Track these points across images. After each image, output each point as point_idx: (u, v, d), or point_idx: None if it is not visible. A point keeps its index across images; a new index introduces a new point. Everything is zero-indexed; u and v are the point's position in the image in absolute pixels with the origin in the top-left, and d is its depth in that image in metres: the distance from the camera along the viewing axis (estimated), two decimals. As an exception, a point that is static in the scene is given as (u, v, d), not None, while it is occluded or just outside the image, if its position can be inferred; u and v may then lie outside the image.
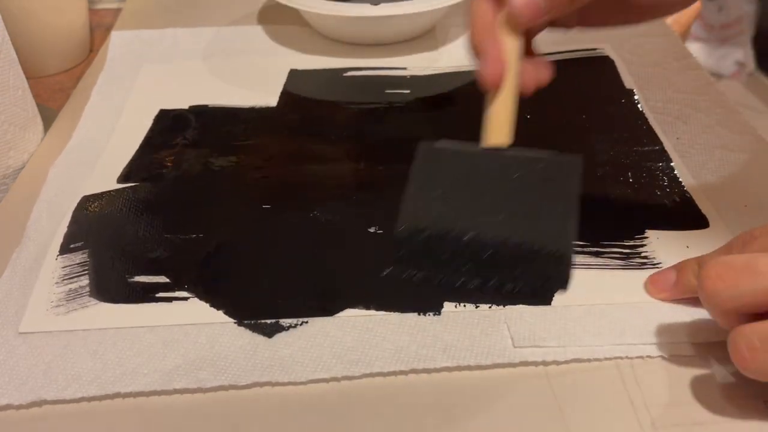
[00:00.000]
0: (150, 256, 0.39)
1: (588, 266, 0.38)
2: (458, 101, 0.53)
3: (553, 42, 0.55)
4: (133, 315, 0.35)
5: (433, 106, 0.52)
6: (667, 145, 0.47)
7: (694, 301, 0.35)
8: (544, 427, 0.30)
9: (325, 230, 0.41)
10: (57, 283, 0.37)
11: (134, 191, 0.44)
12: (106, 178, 0.45)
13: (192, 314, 0.35)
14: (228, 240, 0.40)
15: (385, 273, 0.36)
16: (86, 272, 0.38)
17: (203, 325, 0.35)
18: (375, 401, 0.32)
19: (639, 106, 0.51)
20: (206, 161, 0.46)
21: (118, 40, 0.61)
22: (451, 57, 0.59)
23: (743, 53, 1.56)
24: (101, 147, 0.48)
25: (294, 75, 0.56)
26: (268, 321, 0.35)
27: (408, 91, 0.54)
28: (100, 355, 0.33)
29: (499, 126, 0.35)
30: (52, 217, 0.42)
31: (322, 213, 0.42)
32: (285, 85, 0.55)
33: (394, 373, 0.33)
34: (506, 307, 0.35)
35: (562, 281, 0.35)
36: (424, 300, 0.36)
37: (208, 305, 0.36)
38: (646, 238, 0.39)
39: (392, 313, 0.35)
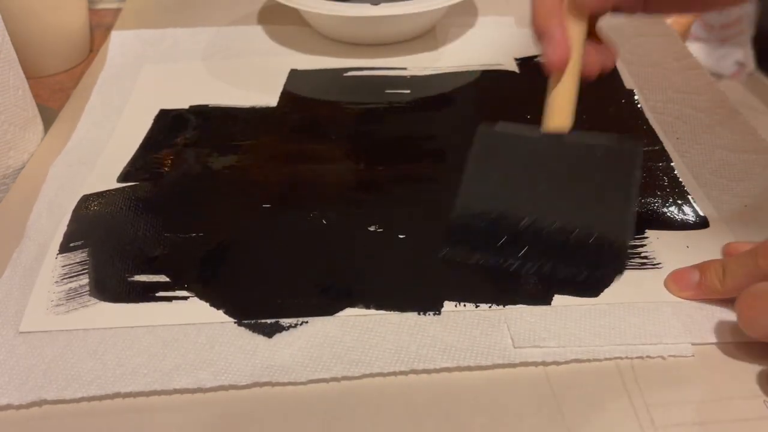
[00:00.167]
0: (150, 256, 0.39)
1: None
2: (458, 101, 0.53)
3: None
4: (132, 314, 0.35)
5: (433, 106, 0.52)
6: (667, 145, 0.47)
7: (694, 302, 0.35)
8: (544, 427, 0.30)
9: (325, 230, 0.41)
10: (57, 282, 0.37)
11: (134, 191, 0.44)
12: (106, 177, 0.45)
13: (192, 314, 0.35)
14: (228, 239, 0.40)
15: (441, 254, 0.36)
16: (86, 271, 0.38)
17: (203, 325, 0.35)
18: (375, 401, 0.32)
19: (639, 106, 0.51)
20: (206, 161, 0.46)
21: (118, 40, 0.61)
22: (451, 57, 0.59)
23: (743, 53, 1.56)
24: (101, 147, 0.48)
25: (294, 75, 0.56)
26: (268, 321, 0.35)
27: (408, 91, 0.54)
28: (100, 355, 0.33)
29: (560, 109, 0.35)
30: (52, 217, 0.42)
31: (322, 213, 0.42)
32: (285, 85, 0.55)
33: (394, 373, 0.33)
34: (506, 307, 0.35)
35: (618, 269, 0.35)
36: (424, 300, 0.36)
37: (207, 305, 0.36)
38: (646, 238, 0.39)
39: (392, 313, 0.35)
